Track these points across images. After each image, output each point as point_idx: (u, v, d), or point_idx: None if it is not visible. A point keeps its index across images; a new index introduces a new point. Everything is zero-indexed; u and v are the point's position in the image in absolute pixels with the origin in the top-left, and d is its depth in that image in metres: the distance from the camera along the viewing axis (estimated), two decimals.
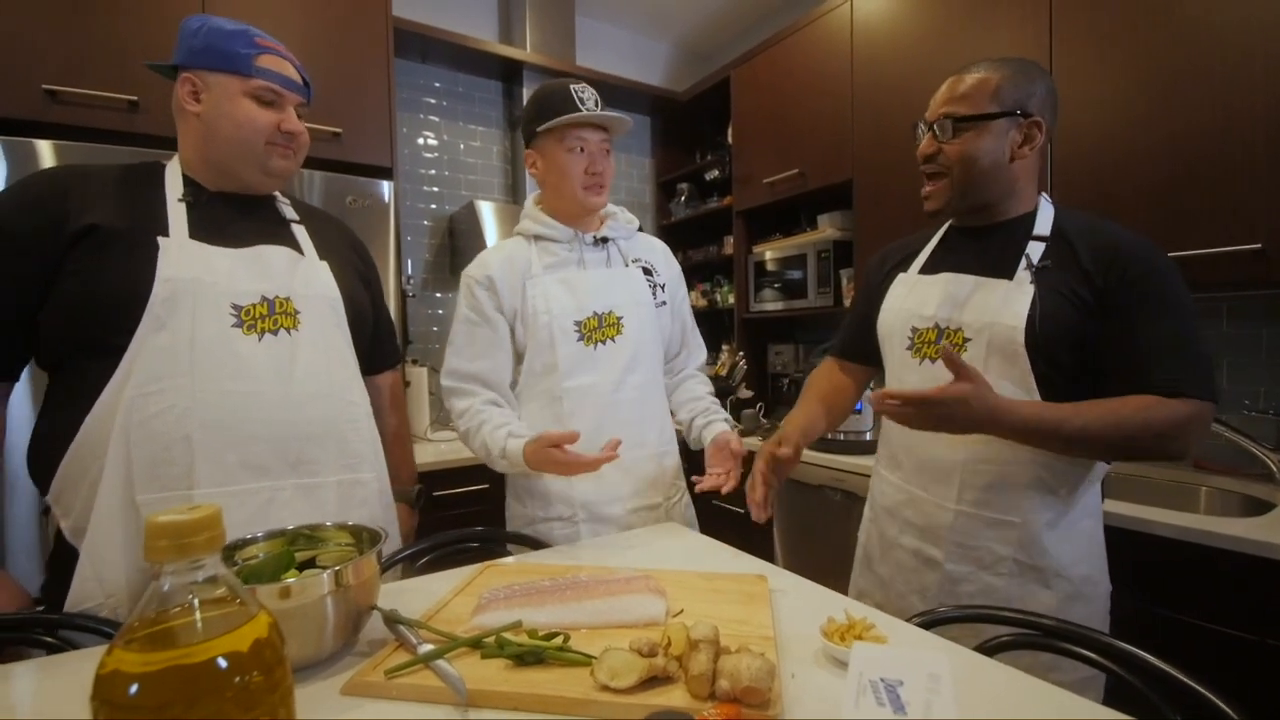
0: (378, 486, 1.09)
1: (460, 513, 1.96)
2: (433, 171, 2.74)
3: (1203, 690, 0.63)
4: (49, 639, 0.83)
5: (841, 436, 2.04)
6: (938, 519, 1.03)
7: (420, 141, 2.71)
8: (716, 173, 3.05)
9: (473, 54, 2.59)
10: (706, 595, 0.86)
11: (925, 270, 1.12)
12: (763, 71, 2.65)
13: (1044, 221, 1.00)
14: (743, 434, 2.41)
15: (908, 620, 0.81)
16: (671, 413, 1.37)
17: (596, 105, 1.20)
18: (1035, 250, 0.98)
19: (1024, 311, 0.94)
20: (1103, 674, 0.76)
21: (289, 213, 1.10)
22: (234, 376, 0.91)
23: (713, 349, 3.13)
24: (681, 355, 1.42)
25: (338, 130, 1.98)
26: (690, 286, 3.08)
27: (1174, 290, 0.90)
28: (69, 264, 0.88)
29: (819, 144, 2.39)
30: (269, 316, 0.96)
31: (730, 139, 2.86)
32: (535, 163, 1.25)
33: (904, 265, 1.18)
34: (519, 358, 1.25)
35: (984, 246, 1.05)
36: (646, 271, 1.33)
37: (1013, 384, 0.95)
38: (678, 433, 1.37)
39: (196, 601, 0.39)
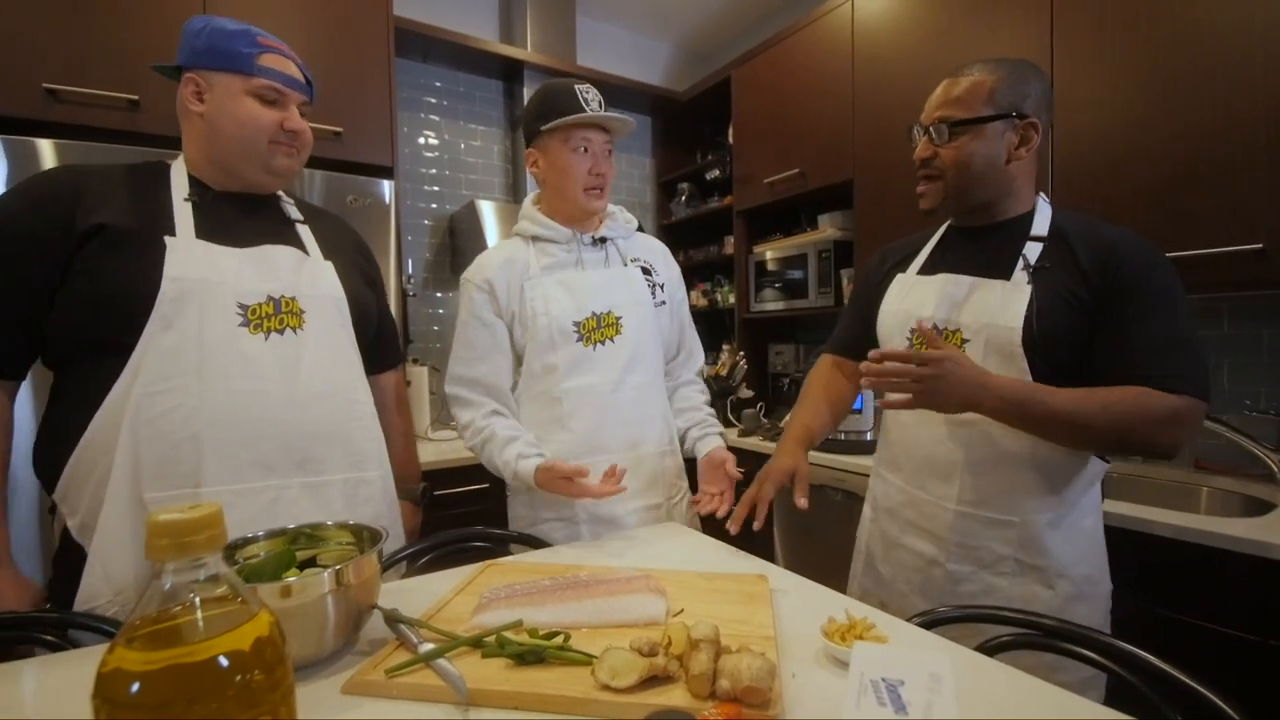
0: (382, 485, 1.09)
1: (460, 512, 1.96)
2: (433, 171, 2.74)
3: (1203, 690, 0.63)
4: (49, 638, 0.83)
5: (842, 436, 2.04)
6: (939, 519, 1.03)
7: (421, 141, 2.71)
8: (717, 172, 3.05)
9: (473, 53, 2.59)
10: (707, 595, 0.86)
11: (924, 271, 1.12)
12: (763, 71, 2.65)
13: (1041, 222, 1.00)
14: (743, 434, 2.42)
15: (908, 620, 0.81)
16: None
17: (600, 106, 1.20)
18: (1032, 251, 0.98)
19: (1021, 312, 0.94)
20: (1105, 674, 0.76)
21: (293, 213, 1.11)
22: (241, 375, 0.92)
23: (713, 349, 3.13)
24: (680, 358, 1.41)
25: (338, 129, 1.99)
26: (691, 286, 3.11)
27: (1169, 289, 0.90)
28: (77, 263, 0.88)
29: (819, 144, 2.39)
30: (275, 316, 0.97)
31: (731, 139, 2.86)
32: (536, 161, 1.25)
33: (903, 265, 1.18)
34: (519, 360, 1.25)
35: (981, 247, 1.05)
36: (645, 271, 1.33)
37: None
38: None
39: (198, 600, 0.39)
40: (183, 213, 0.95)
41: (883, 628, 0.72)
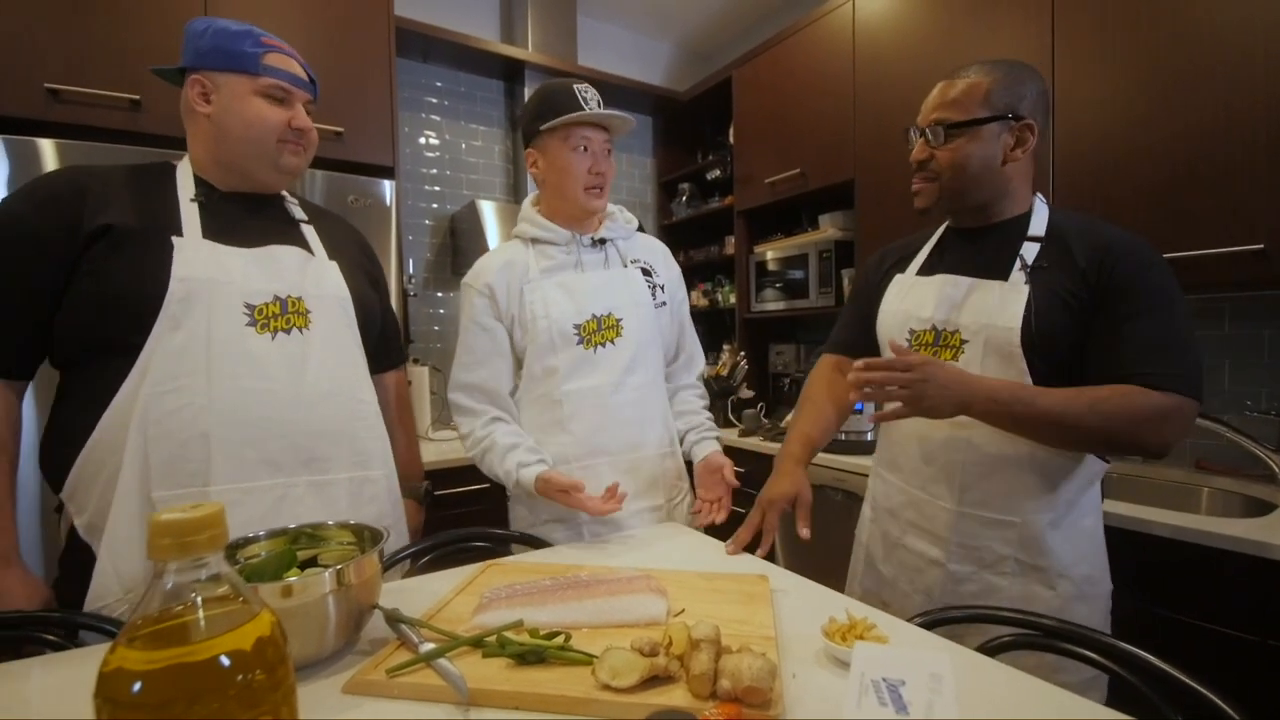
0: (387, 484, 1.10)
1: (461, 512, 1.96)
2: (434, 171, 2.74)
3: (1203, 690, 0.63)
4: (53, 638, 0.83)
5: (842, 436, 2.03)
6: (939, 519, 1.03)
7: (422, 141, 2.71)
8: (718, 172, 3.05)
9: (474, 53, 2.59)
10: (707, 595, 0.86)
11: (922, 272, 1.13)
12: (764, 71, 2.65)
13: (1039, 222, 1.01)
14: (743, 434, 2.42)
15: (908, 620, 0.81)
16: None
17: (599, 105, 1.20)
18: (1030, 251, 0.98)
19: (1019, 312, 0.94)
20: (1106, 675, 0.76)
21: (298, 213, 1.11)
22: (249, 375, 0.92)
23: (714, 349, 3.13)
24: (680, 361, 1.40)
25: (339, 129, 1.99)
26: (691, 286, 3.11)
27: (1164, 289, 0.90)
28: (85, 264, 0.89)
29: (820, 144, 2.39)
30: (281, 316, 0.97)
31: (731, 139, 2.86)
32: (536, 161, 1.25)
33: (901, 266, 1.18)
34: (519, 363, 1.25)
35: (979, 248, 1.05)
36: (646, 272, 1.32)
37: None
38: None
39: (199, 600, 0.39)
40: (189, 213, 0.96)
41: (883, 628, 0.72)
